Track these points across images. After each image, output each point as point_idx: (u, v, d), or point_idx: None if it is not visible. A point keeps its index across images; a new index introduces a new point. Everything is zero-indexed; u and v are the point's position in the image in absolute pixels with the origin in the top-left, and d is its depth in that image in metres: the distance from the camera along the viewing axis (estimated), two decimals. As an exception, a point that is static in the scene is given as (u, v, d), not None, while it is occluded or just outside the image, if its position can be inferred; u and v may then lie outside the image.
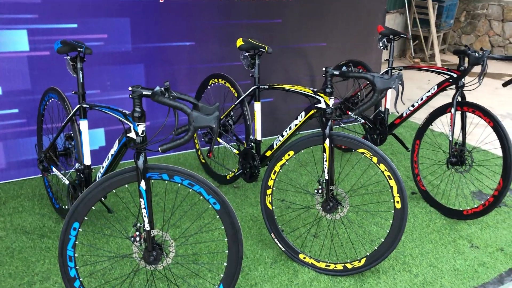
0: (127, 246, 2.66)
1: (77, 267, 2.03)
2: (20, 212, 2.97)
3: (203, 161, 3.61)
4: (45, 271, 2.43)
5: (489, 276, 2.53)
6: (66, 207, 2.81)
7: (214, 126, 1.74)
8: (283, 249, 2.60)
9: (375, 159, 2.35)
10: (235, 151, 3.14)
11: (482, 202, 2.99)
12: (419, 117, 4.85)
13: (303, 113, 2.63)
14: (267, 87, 2.91)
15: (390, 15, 7.97)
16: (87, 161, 2.50)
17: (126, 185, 2.00)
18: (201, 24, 3.77)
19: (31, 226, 2.82)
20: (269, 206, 2.60)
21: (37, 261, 2.51)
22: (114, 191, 2.01)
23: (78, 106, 2.46)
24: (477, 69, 3.07)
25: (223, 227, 2.06)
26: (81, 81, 2.47)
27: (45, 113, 2.94)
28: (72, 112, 2.49)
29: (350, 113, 3.68)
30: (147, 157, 1.96)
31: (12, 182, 3.35)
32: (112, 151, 2.19)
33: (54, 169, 2.77)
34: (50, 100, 2.82)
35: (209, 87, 3.41)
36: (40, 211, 2.98)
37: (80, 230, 2.00)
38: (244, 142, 3.09)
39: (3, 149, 3.28)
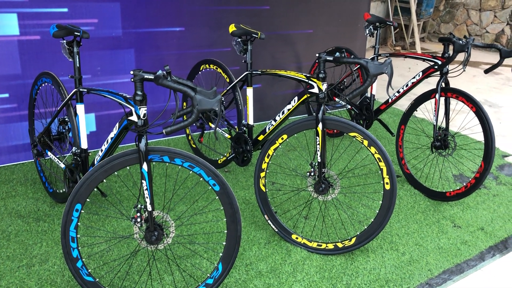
0: (123, 229, 2.71)
1: (79, 248, 2.08)
2: (13, 196, 2.97)
3: (193, 146, 3.66)
4: (43, 253, 2.46)
5: (471, 253, 2.67)
6: (61, 190, 2.83)
7: (217, 109, 1.80)
8: (276, 230, 2.68)
9: (366, 142, 2.44)
10: (227, 135, 3.20)
11: (464, 184, 3.13)
12: (402, 104, 5.00)
13: (296, 98, 2.70)
14: (260, 72, 2.96)
15: (372, 3, 8.07)
16: (84, 144, 2.53)
17: (127, 167, 2.04)
18: (190, 9, 3.78)
19: (26, 210, 2.83)
20: (263, 188, 2.68)
21: (34, 244, 2.54)
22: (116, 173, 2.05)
23: (75, 90, 2.48)
24: (460, 56, 3.18)
25: (222, 208, 2.12)
26: (78, 65, 2.48)
27: (37, 97, 2.93)
28: (68, 96, 2.51)
29: (337, 99, 3.78)
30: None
31: (3, 167, 3.34)
32: (112, 135, 2.23)
33: (49, 153, 2.78)
34: (43, 85, 2.82)
35: (200, 72, 3.44)
36: (33, 195, 3.00)
37: (82, 211, 2.04)
38: (236, 127, 3.15)
39: (-7, 134, 3.27)
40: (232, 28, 3.00)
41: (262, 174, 2.66)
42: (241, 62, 3.79)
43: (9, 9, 3.09)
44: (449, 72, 3.11)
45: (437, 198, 3.19)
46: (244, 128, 3.09)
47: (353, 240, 2.55)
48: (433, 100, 3.14)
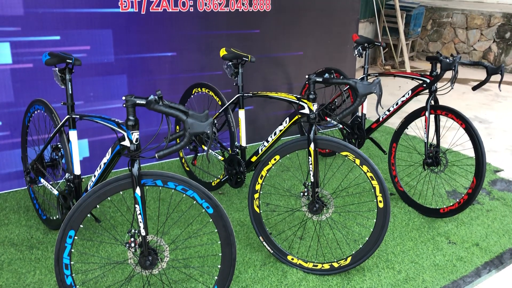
0: (117, 254, 2.69)
1: (73, 275, 2.06)
2: (6, 224, 2.95)
3: (187, 169, 3.67)
4: (36, 281, 2.44)
5: (467, 269, 2.66)
6: (55, 217, 2.82)
7: (208, 132, 1.82)
8: (272, 252, 2.68)
9: (358, 161, 2.46)
10: (220, 157, 3.21)
11: (457, 200, 3.14)
12: (393, 122, 5.04)
13: (287, 119, 2.73)
14: (251, 94, 3.00)
15: (361, 24, 8.21)
16: (77, 170, 2.53)
17: (121, 192, 2.04)
18: (182, 34, 3.84)
19: (19, 238, 2.81)
20: (257, 209, 2.68)
21: (28, 272, 2.51)
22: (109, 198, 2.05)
23: (67, 116, 2.49)
24: (448, 74, 3.23)
25: (216, 230, 2.12)
26: (70, 92, 2.50)
27: (30, 124, 2.94)
28: (61, 123, 2.52)
29: (328, 118, 3.82)
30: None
31: (-4, 195, 3.33)
32: (105, 160, 2.23)
33: (42, 180, 2.78)
34: (36, 112, 2.84)
35: (192, 96, 3.47)
36: (26, 223, 2.97)
37: (76, 238, 2.03)
38: (229, 149, 3.17)
39: (-14, 162, 3.26)
40: (223, 52, 3.04)
41: (256, 196, 2.67)
42: (232, 85, 3.82)
43: (2, 38, 3.12)
44: (438, 90, 3.16)
45: (431, 215, 3.20)
46: (237, 150, 3.10)
47: (349, 259, 2.54)
48: (423, 118, 3.18)
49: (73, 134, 2.51)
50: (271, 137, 2.86)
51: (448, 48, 9.07)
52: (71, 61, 2.45)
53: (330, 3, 4.69)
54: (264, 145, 2.91)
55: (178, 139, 3.17)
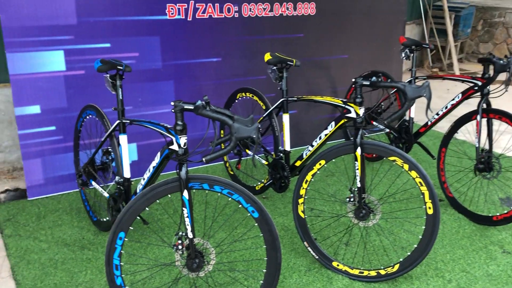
0: (164, 256, 2.74)
1: (122, 276, 2.12)
2: (59, 225, 3.08)
3: (231, 172, 3.70)
4: (88, 281, 2.52)
5: (523, 281, 2.54)
6: (105, 219, 2.91)
7: (254, 136, 1.83)
8: (317, 257, 2.65)
9: (406, 166, 2.41)
10: (264, 162, 3.22)
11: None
12: (442, 126, 4.88)
13: (333, 123, 2.70)
14: (296, 99, 2.99)
15: (407, 26, 8.02)
16: (127, 174, 2.60)
17: (169, 195, 2.09)
18: (227, 40, 3.89)
19: (71, 239, 2.92)
20: (302, 215, 2.66)
21: (80, 271, 2.60)
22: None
23: (118, 121, 2.57)
24: (501, 76, 3.10)
25: (261, 234, 2.12)
26: (121, 97, 2.58)
27: (82, 129, 3.06)
28: (112, 128, 2.60)
29: (374, 122, 3.75)
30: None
31: (50, 196, 3.47)
32: (154, 163, 2.28)
33: (93, 183, 2.88)
34: (87, 117, 2.94)
35: (236, 100, 3.50)
36: (78, 224, 3.09)
37: (126, 239, 2.09)
38: (273, 153, 3.17)
39: (41, 165, 3.41)
40: (267, 56, 3.05)
41: (301, 200, 2.65)
42: (276, 89, 3.85)
43: (57, 46, 3.26)
44: (490, 92, 3.03)
45: (483, 223, 3.08)
46: (281, 154, 3.10)
47: (396, 266, 2.48)
48: (474, 122, 3.07)
49: (123, 139, 2.58)
50: (316, 141, 2.84)
51: (500, 49, 8.71)
52: (122, 68, 2.53)
53: (376, 5, 4.62)
54: (309, 150, 2.89)
55: (223, 144, 3.21)
